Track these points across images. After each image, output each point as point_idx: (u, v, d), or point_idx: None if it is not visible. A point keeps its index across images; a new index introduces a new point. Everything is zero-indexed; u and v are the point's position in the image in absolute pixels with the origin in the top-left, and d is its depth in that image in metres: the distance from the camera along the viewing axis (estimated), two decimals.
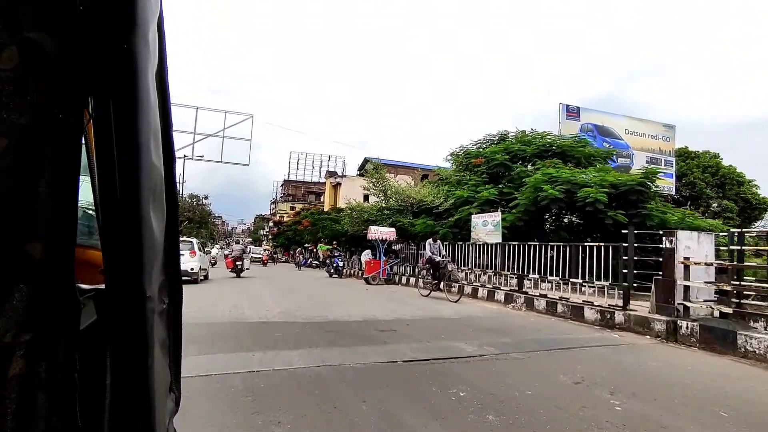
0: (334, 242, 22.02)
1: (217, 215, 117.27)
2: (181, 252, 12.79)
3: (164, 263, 0.69)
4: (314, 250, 52.99)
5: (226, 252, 37.00)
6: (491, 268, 14.52)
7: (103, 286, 0.62)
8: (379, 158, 58.66)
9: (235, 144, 29.37)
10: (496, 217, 14.85)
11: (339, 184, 54.90)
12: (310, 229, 42.67)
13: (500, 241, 14.48)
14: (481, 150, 20.13)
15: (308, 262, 47.73)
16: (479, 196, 16.91)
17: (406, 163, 58.56)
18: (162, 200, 0.68)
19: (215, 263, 34.68)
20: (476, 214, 16.12)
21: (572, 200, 14.11)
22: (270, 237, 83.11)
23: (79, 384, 0.59)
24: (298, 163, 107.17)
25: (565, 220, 15.90)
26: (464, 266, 15.64)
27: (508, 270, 13.02)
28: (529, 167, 18.34)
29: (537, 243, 12.38)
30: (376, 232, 17.05)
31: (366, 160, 60.64)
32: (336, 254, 22.03)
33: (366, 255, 20.71)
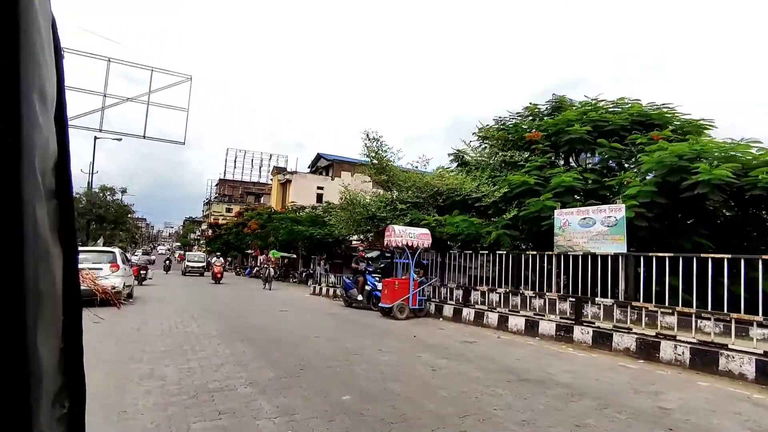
0: (361, 249, 14.09)
1: (140, 216, 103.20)
2: (100, 266, 10.87)
3: (61, 367, 0.60)
4: (260, 258, 44.78)
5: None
6: (608, 296, 8.67)
7: None
8: (335, 155, 51.83)
9: (165, 116, 21.49)
10: (616, 212, 9.01)
11: (288, 181, 47.44)
12: (259, 232, 34.83)
13: (624, 250, 8.72)
14: (525, 123, 14.42)
15: (253, 271, 39.48)
16: (556, 182, 11.07)
17: (364, 161, 52.33)
18: (56, 317, 0.59)
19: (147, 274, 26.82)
20: (561, 208, 10.25)
21: (734, 186, 8.72)
22: (203, 241, 72.58)
23: None
24: (235, 162, 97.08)
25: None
26: (536, 290, 9.74)
27: (651, 302, 7.22)
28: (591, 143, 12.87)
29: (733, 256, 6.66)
30: (402, 234, 10.56)
31: (319, 156, 53.44)
32: (369, 268, 13.41)
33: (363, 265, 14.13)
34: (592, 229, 9.47)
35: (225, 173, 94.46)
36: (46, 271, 0.56)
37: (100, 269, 10.98)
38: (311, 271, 29.50)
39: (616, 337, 7.01)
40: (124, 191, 32.14)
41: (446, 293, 11.47)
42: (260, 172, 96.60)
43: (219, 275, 23.00)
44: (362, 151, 14.70)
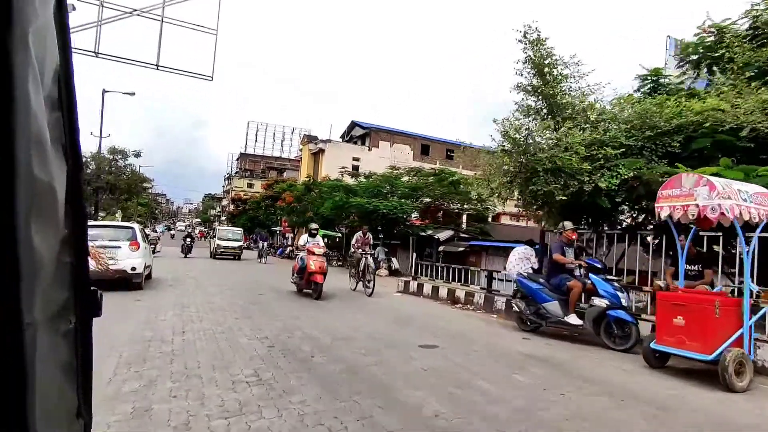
0: (569, 227, 7.01)
1: (158, 190, 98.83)
2: (118, 244, 9.48)
3: (68, 281, 0.61)
4: (290, 236, 39.07)
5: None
6: None
7: None
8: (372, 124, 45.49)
9: (186, 42, 15.55)
10: None
11: (321, 151, 41.46)
12: (295, 206, 29.02)
13: None
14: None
15: (285, 252, 33.77)
16: None
17: (404, 131, 46.00)
18: (55, 214, 0.58)
19: (156, 246, 20.87)
20: None
21: None
22: (225, 217, 67.48)
23: None
24: (257, 135, 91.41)
25: None
26: None
27: None
28: None
29: None
30: (730, 193, 4.48)
31: (354, 124, 47.00)
32: (595, 263, 6.45)
33: (519, 255, 8.15)
34: None
35: (246, 147, 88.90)
36: (41, 161, 0.53)
37: (119, 248, 9.30)
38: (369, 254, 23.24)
39: None
40: (137, 155, 26.40)
41: None
42: (282, 146, 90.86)
43: (320, 278, 9.21)
44: (520, 61, 8.43)
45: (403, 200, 18.60)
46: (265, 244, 24.97)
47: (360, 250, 11.15)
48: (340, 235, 25.96)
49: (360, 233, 11.83)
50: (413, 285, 11.27)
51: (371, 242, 12.02)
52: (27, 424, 0.52)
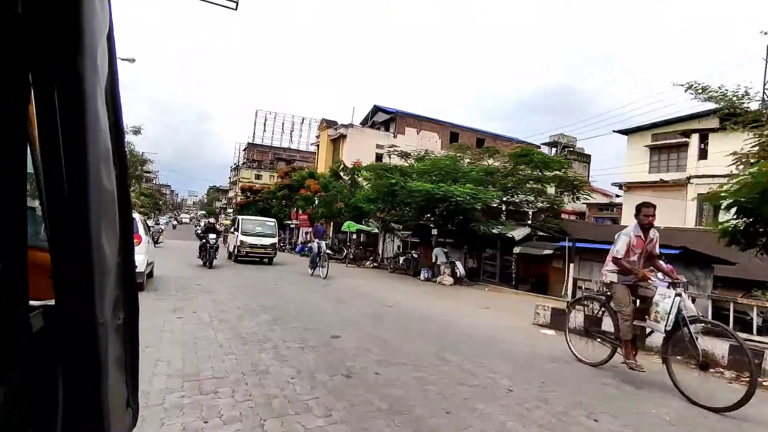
0: None
1: (163, 181, 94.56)
2: None
3: (119, 279, 0.64)
4: (308, 230, 34.59)
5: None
6: None
7: (52, 302, 0.58)
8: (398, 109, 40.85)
9: None
10: None
11: (342, 136, 37.02)
12: (322, 196, 24.49)
13: None
14: None
15: (304, 248, 29.30)
16: None
17: (432, 117, 41.45)
18: (114, 220, 0.62)
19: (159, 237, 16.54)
20: None
21: None
22: (233, 209, 63.01)
23: (30, 400, 0.55)
24: (264, 125, 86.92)
25: None
26: None
27: None
28: None
29: None
30: None
31: (377, 109, 42.36)
32: None
33: None
34: None
35: (254, 137, 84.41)
36: (107, 172, 0.56)
37: None
38: (425, 256, 18.42)
39: None
40: (137, 131, 21.92)
41: None
42: (291, 137, 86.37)
43: None
44: None
45: (479, 188, 14.09)
46: (324, 244, 13.75)
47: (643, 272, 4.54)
48: (376, 230, 21.52)
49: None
50: (576, 318, 6.61)
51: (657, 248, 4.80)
52: (102, 415, 0.55)
